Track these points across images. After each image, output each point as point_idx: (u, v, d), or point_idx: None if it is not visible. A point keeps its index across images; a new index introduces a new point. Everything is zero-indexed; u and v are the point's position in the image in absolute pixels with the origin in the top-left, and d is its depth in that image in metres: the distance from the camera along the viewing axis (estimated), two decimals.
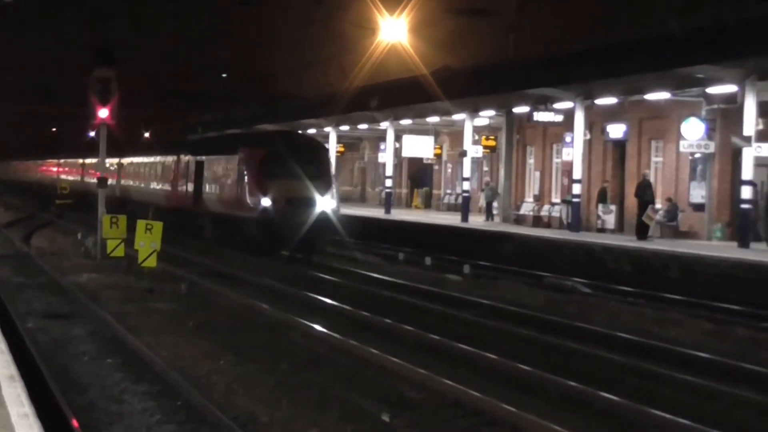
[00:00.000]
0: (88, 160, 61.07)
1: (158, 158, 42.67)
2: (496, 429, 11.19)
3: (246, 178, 30.13)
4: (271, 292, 22.41)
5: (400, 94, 41.30)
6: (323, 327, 17.08)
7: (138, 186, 46.39)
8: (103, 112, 28.78)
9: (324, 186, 29.63)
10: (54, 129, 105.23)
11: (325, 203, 29.28)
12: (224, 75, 79.44)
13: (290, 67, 69.31)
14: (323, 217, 29.11)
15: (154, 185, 42.78)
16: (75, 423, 10.47)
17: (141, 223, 22.85)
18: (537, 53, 40.43)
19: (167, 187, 39.73)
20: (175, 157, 38.96)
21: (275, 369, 13.82)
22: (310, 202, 29.09)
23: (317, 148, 32.32)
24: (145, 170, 45.47)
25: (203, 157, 35.08)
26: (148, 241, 22.52)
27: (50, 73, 76.26)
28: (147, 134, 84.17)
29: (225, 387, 12.75)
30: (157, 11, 69.08)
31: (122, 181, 50.42)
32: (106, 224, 26.13)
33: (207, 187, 34.09)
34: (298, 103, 58.63)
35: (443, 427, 11.26)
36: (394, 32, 35.38)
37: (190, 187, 35.87)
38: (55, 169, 77.15)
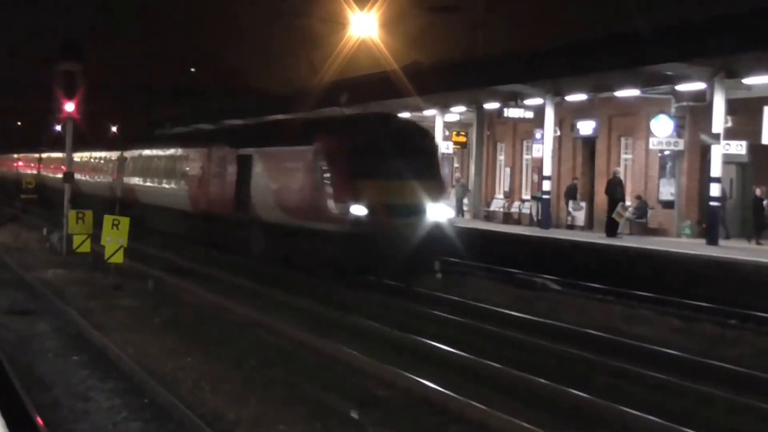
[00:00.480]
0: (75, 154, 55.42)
1: (178, 151, 35.12)
2: (463, 426, 11.23)
3: (327, 177, 22.58)
4: (235, 288, 22.38)
5: (370, 90, 41.30)
6: (288, 324, 17.11)
7: (148, 185, 38.58)
8: (69, 106, 28.60)
9: (435, 187, 22.78)
10: (20, 123, 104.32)
11: (437, 211, 22.33)
12: (193, 69, 79.16)
13: (259, 61, 69.16)
14: (436, 231, 22.14)
15: (171, 185, 35.17)
16: (39, 421, 10.40)
17: (108, 219, 22.71)
18: (507, 49, 40.56)
19: (193, 187, 32.28)
20: (204, 150, 31.41)
21: (243, 366, 13.81)
22: (418, 210, 22.09)
23: (423, 136, 24.42)
24: (158, 166, 37.47)
25: (251, 150, 27.24)
26: (115, 237, 22.39)
27: (17, 66, 75.67)
28: (114, 129, 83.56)
29: (192, 384, 12.72)
30: (125, 4, 68.74)
31: (125, 180, 41.69)
32: (72, 220, 25.96)
33: (258, 188, 26.37)
34: (267, 97, 58.48)
35: (411, 424, 11.29)
36: (364, 27, 35.37)
37: (230, 187, 28.33)
38: (32, 164, 70.30)
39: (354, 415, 11.37)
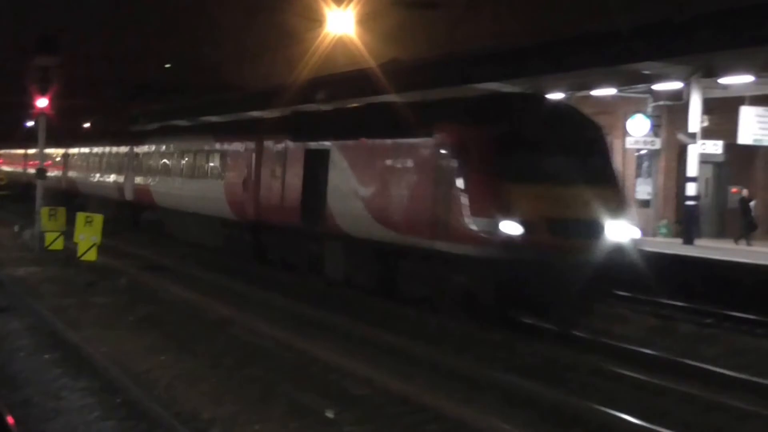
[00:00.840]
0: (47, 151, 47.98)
1: (211, 145, 29.43)
2: (441, 425, 11.21)
3: (461, 180, 16.79)
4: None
5: (348, 87, 41.26)
6: (266, 321, 17.07)
7: (168, 186, 32.83)
8: (42, 102, 28.41)
9: (614, 196, 16.98)
10: None
11: (619, 229, 16.48)
12: (168, 65, 78.86)
13: (236, 58, 68.98)
14: (617, 258, 16.34)
15: (200, 186, 29.59)
16: (10, 420, 10.30)
17: (81, 216, 22.59)
18: (485, 47, 40.61)
19: (233, 189, 26.81)
20: (251, 143, 26.05)
21: (218, 365, 13.73)
22: (594, 228, 16.30)
23: (592, 125, 18.31)
24: (181, 163, 31.87)
25: (328, 143, 21.72)
26: (88, 234, 22.26)
27: None
28: (87, 124, 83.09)
29: (167, 383, 12.64)
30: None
31: (137, 179, 35.95)
32: (45, 217, 25.82)
33: (339, 192, 20.85)
34: (244, 94, 58.33)
35: (389, 423, 11.26)
36: (341, 24, 35.32)
37: (292, 191, 23.09)
38: (18, 161, 66.77)
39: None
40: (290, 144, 23.58)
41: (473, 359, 14.47)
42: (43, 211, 26.12)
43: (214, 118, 47.70)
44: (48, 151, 51.10)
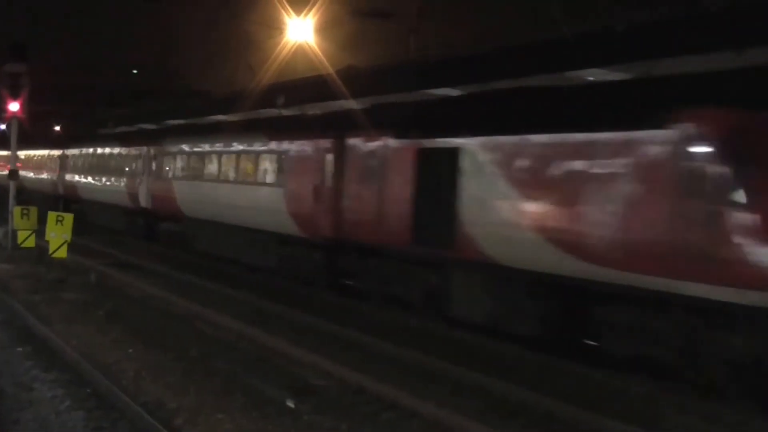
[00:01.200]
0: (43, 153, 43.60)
1: (271, 146, 22.93)
2: (396, 413, 11.24)
3: (736, 191, 11.36)
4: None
5: (307, 92, 41.19)
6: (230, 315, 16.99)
7: (205, 195, 26.21)
8: (14, 106, 28.19)
9: None
10: None
11: None
12: (135, 71, 78.37)
13: (199, 64, 68.69)
14: None
15: (250, 195, 23.46)
16: None
17: (52, 215, 22.37)
18: (437, 55, 40.78)
19: (297, 198, 21.08)
20: (326, 143, 20.26)
21: (183, 357, 13.67)
22: None
23: None
24: (217, 165, 25.88)
25: (461, 140, 16.14)
26: (59, 232, 22.05)
27: None
28: (57, 128, 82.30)
29: (134, 374, 12.57)
30: (66, 6, 67.83)
31: (157, 185, 30.03)
32: (17, 215, 25.58)
33: (485, 206, 15.28)
34: (207, 99, 58.00)
35: (346, 412, 11.26)
36: (300, 32, 35.28)
37: (398, 203, 17.42)
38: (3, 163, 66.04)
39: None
40: (392, 142, 17.88)
41: None
42: (16, 210, 25.87)
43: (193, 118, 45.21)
44: (42, 152, 48.09)
